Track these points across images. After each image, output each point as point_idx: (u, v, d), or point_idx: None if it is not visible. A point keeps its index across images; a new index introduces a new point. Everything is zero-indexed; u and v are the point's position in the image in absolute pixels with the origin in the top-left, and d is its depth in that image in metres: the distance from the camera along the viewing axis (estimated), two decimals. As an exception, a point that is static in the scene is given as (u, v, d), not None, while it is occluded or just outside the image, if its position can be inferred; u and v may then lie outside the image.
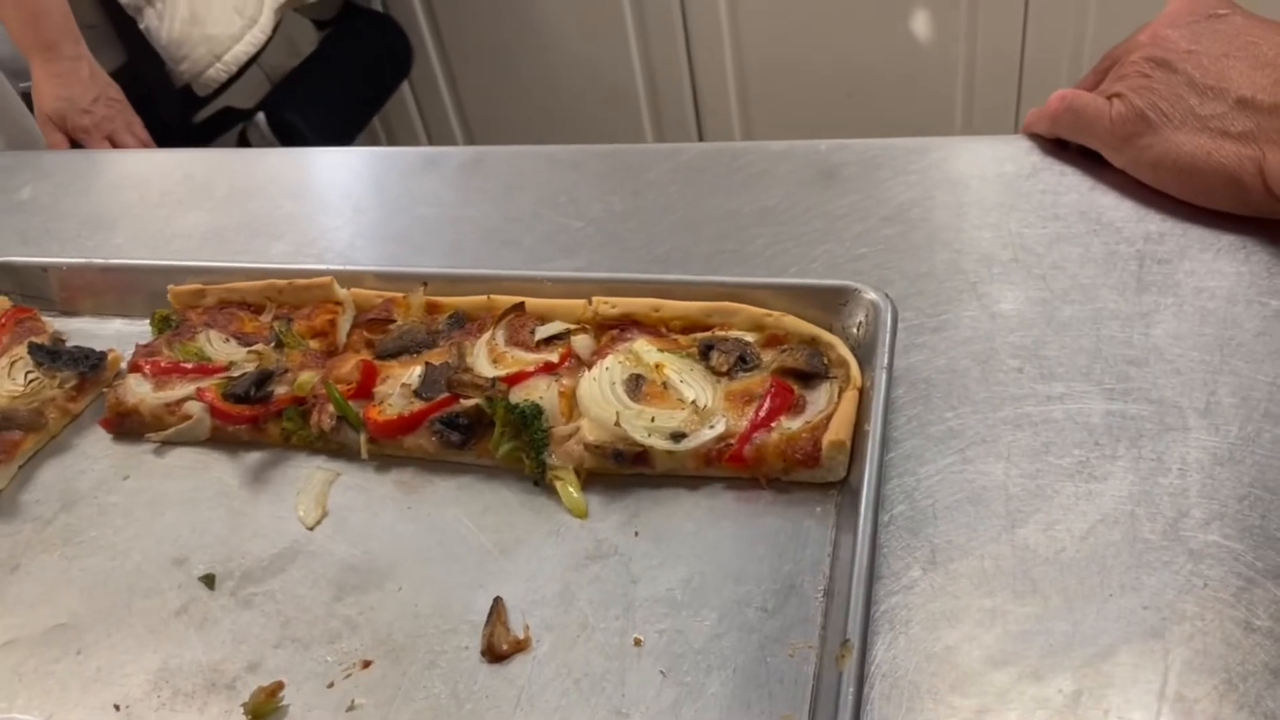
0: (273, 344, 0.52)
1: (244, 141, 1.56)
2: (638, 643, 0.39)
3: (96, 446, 0.52)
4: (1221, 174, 0.50)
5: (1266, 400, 0.44)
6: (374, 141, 1.93)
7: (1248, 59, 0.50)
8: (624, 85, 1.79)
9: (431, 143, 1.95)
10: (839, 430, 0.43)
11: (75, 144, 1.16)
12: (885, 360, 0.44)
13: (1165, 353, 0.46)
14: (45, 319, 0.59)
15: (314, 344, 0.52)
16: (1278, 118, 0.48)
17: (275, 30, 1.54)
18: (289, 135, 1.58)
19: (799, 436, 0.43)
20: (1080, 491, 0.42)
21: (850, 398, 0.44)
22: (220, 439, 0.51)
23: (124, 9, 1.38)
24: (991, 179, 0.57)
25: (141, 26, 1.40)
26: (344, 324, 0.53)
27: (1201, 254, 0.50)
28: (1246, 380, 0.44)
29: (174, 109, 1.47)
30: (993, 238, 0.53)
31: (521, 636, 0.40)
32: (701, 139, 1.81)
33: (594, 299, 0.50)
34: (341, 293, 0.54)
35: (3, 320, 0.57)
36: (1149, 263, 0.50)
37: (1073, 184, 0.55)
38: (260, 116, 1.58)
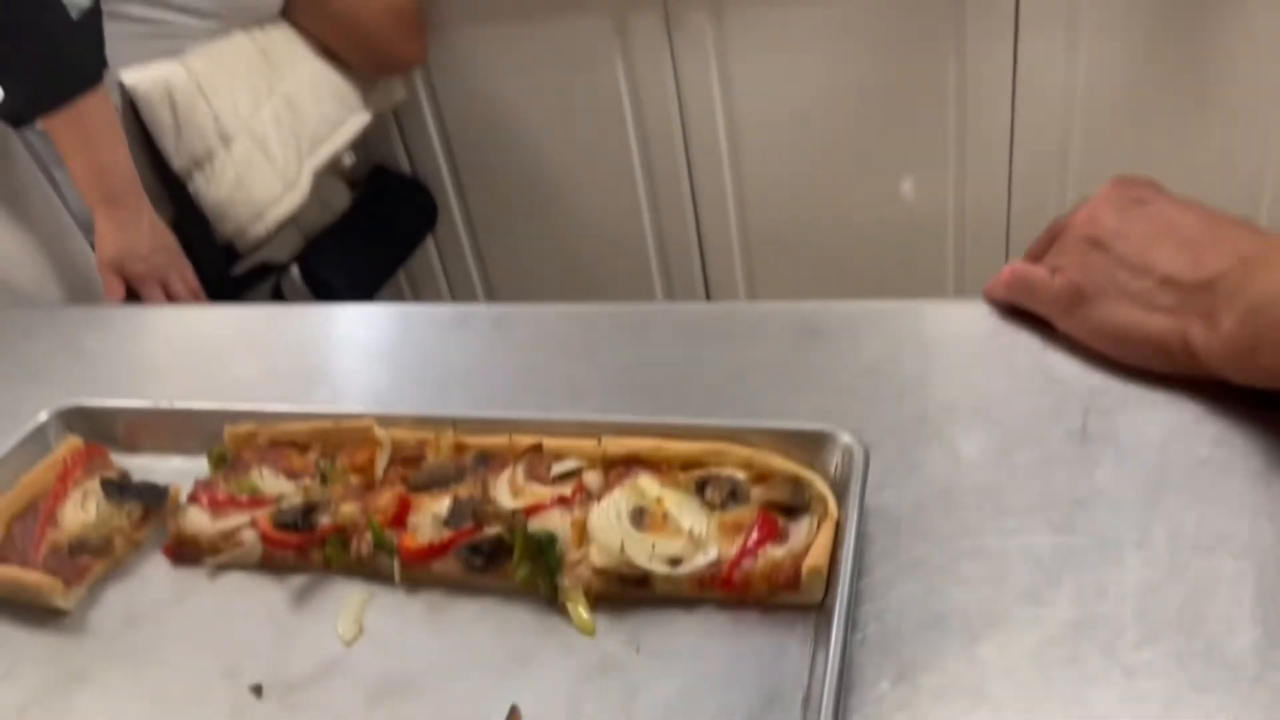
0: (318, 479, 0.59)
1: (278, 292, 1.66)
2: (638, 745, 0.44)
3: (157, 571, 0.58)
4: (1151, 342, 0.57)
5: (1194, 535, 0.50)
6: (398, 293, 2.04)
7: (1170, 241, 0.58)
8: (636, 249, 1.92)
9: (453, 295, 2.06)
10: (817, 557, 0.49)
11: (130, 290, 1.25)
12: (858, 496, 0.51)
13: (1106, 493, 0.52)
14: (112, 457, 0.66)
15: (355, 479, 0.59)
16: (1197, 295, 0.55)
17: (311, 191, 1.67)
18: (320, 287, 1.69)
19: (783, 563, 0.49)
20: (1030, 615, 0.47)
21: (828, 529, 0.50)
22: (268, 564, 0.57)
23: (176, 173, 1.50)
24: (955, 339, 0.65)
25: (191, 189, 1.52)
26: (382, 461, 0.60)
27: (1139, 406, 0.57)
28: (1177, 518, 0.50)
29: (215, 263, 1.57)
30: (956, 390, 0.60)
31: (535, 739, 0.45)
32: (709, 298, 1.92)
33: (603, 439, 0.57)
34: (380, 433, 0.60)
35: (77, 458, 0.64)
36: (1093, 414, 0.57)
37: (1026, 344, 0.63)
38: (294, 269, 1.69)
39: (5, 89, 1.14)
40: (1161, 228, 0.59)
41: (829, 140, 1.76)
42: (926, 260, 1.77)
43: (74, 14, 1.21)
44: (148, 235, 1.24)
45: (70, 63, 1.17)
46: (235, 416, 0.64)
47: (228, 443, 0.63)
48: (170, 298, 1.28)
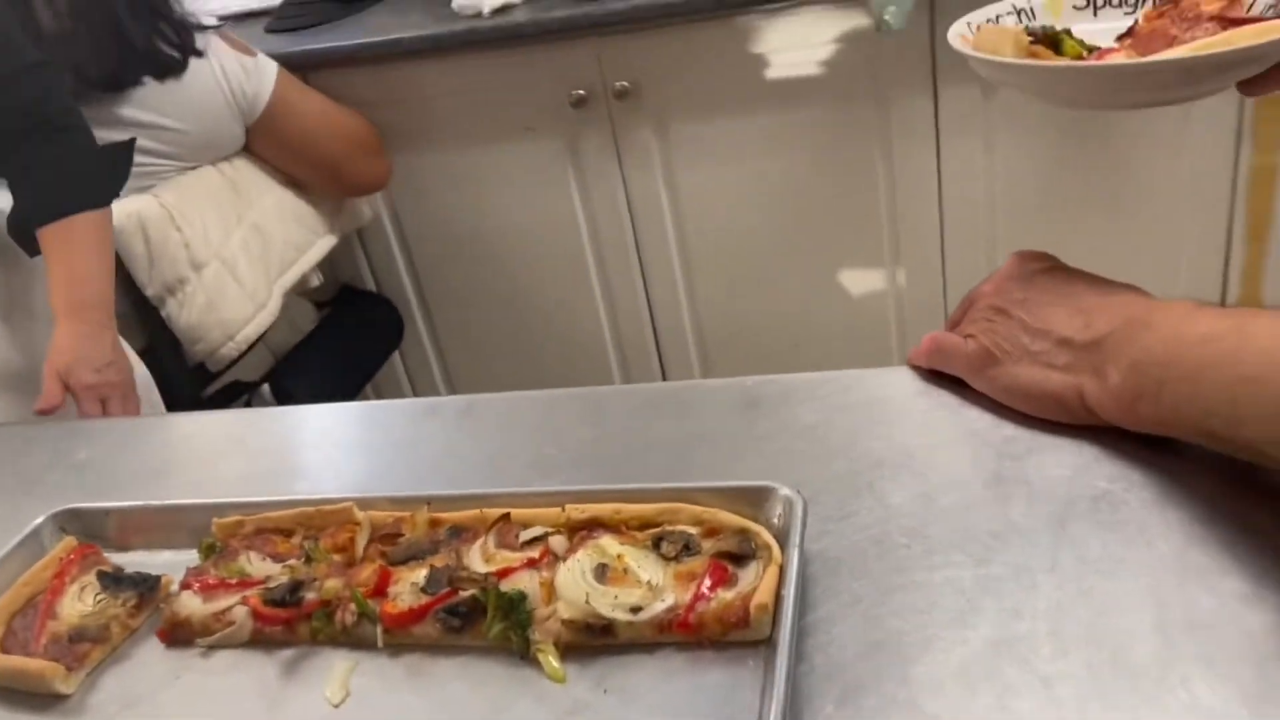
0: (303, 559, 0.64)
1: (249, 410, 1.71)
2: (608, 774, 0.48)
3: (152, 654, 0.62)
4: (1052, 397, 0.64)
5: (1097, 559, 0.55)
6: (366, 406, 2.09)
7: (1066, 306, 0.65)
8: (595, 348, 1.99)
9: (419, 404, 2.11)
10: (764, 596, 0.54)
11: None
12: (798, 540, 0.56)
13: (1019, 527, 0.58)
14: (106, 554, 0.70)
15: (337, 557, 0.63)
16: (1088, 354, 0.62)
17: (281, 311, 1.73)
18: (290, 405, 1.73)
19: (733, 604, 0.54)
20: (956, 638, 0.53)
21: (772, 572, 0.56)
22: (258, 641, 0.61)
23: (149, 300, 1.56)
24: (882, 402, 0.71)
25: (163, 314, 1.58)
26: (362, 540, 0.64)
27: (1044, 451, 0.63)
28: (1082, 545, 0.56)
29: (186, 384, 1.62)
30: (884, 447, 0.67)
31: (514, 775, 0.49)
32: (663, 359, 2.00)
33: (566, 506, 0.62)
34: (359, 515, 0.65)
35: (73, 556, 0.68)
36: (1005, 460, 0.63)
37: (945, 403, 0.69)
38: (264, 388, 1.74)
39: (15, 196, 1.20)
40: (1057, 295, 0.66)
41: (773, 239, 1.87)
42: (871, 344, 1.86)
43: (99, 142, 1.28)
44: (106, 351, 1.24)
45: (79, 181, 1.24)
46: (221, 509, 0.68)
47: (215, 533, 0.67)
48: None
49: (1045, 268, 0.70)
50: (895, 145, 1.74)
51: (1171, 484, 0.59)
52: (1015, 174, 1.74)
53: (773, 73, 1.77)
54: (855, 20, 1.65)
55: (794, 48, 1.72)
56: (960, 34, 0.74)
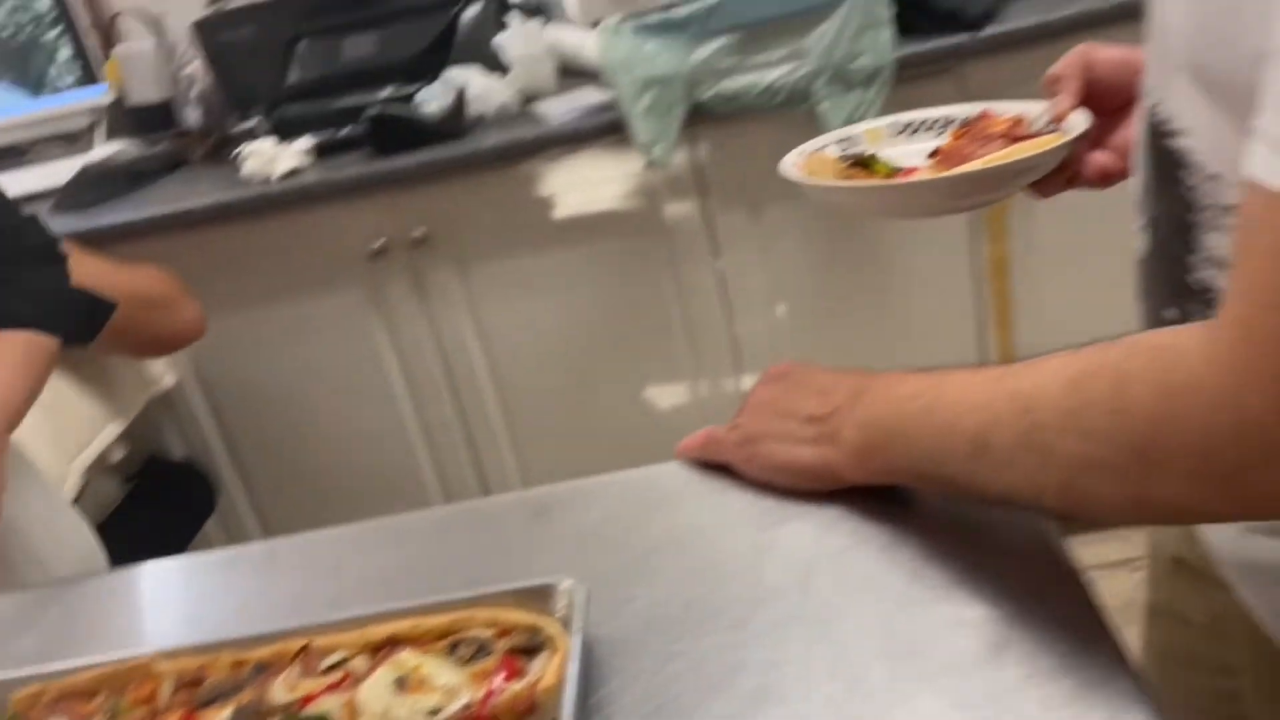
0: (107, 717, 0.64)
1: (54, 596, 1.62)
2: None
3: (-53, 840, 0.61)
4: (804, 470, 0.73)
5: (838, 605, 0.64)
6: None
7: (810, 392, 0.75)
8: (416, 479, 2.01)
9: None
10: (548, 680, 0.59)
11: None
12: (579, 625, 0.62)
13: (774, 588, 0.66)
14: (-107, 747, 0.68)
15: (141, 711, 0.64)
16: (827, 424, 0.71)
17: (82, 491, 1.67)
18: (98, 582, 1.66)
19: (522, 693, 0.59)
20: (724, 691, 0.59)
21: (558, 657, 0.61)
22: (61, 807, 0.61)
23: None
24: (659, 494, 0.79)
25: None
26: (166, 690, 0.65)
27: (796, 519, 0.72)
28: (825, 595, 0.65)
29: (-18, 577, 1.53)
30: (661, 535, 0.74)
31: None
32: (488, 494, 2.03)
33: (366, 629, 0.65)
34: (162, 666, 0.66)
35: None
36: (762, 531, 0.71)
37: (714, 489, 0.77)
38: (69, 570, 1.66)
39: None
40: (803, 385, 0.77)
41: (581, 362, 1.97)
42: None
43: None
44: None
45: (32, 303, 1.20)
46: (18, 683, 0.68)
47: (13, 707, 0.67)
48: None
49: (794, 370, 0.80)
50: (679, 265, 1.88)
51: (899, 532, 0.69)
52: (791, 279, 1.90)
53: (561, 211, 1.89)
54: (627, 158, 1.79)
55: (576, 188, 1.86)
56: (792, 163, 0.87)
